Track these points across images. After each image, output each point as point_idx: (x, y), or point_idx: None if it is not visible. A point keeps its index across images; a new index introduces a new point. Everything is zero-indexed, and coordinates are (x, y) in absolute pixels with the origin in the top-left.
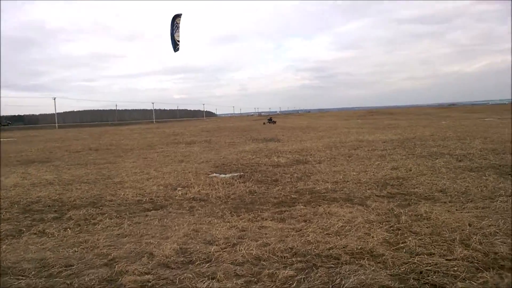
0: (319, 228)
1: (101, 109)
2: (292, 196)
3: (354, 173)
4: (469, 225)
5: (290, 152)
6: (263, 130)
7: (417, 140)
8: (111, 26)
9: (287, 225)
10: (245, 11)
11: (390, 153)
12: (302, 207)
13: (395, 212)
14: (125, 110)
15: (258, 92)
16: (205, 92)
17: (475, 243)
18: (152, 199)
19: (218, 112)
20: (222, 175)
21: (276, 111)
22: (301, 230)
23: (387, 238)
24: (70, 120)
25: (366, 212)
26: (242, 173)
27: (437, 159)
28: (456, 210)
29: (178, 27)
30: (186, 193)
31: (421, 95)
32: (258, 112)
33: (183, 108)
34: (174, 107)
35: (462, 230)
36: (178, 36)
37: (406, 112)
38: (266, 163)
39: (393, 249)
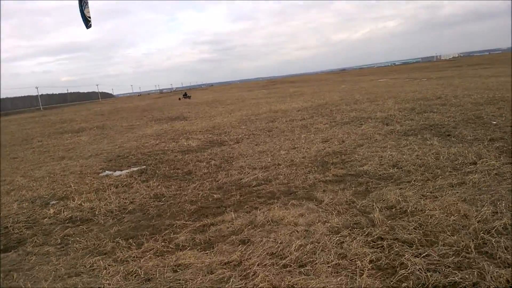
0: (268, 255)
1: None
2: (215, 196)
3: (284, 152)
4: (466, 216)
5: (200, 131)
6: (166, 108)
7: (330, 105)
8: None
9: (217, 256)
10: None
11: (312, 123)
12: (232, 215)
13: (358, 206)
14: (6, 99)
15: (156, 68)
16: (98, 72)
17: (503, 252)
18: (6, 228)
19: (115, 93)
20: (117, 173)
21: (176, 88)
22: (241, 264)
23: (376, 263)
24: None
25: (322, 212)
26: (143, 167)
27: (362, 124)
28: (431, 193)
29: (87, 2)
30: (61, 211)
31: (314, 63)
32: (159, 90)
33: (74, 91)
34: (64, 91)
35: (467, 228)
36: (89, 12)
37: (304, 80)
38: (173, 149)
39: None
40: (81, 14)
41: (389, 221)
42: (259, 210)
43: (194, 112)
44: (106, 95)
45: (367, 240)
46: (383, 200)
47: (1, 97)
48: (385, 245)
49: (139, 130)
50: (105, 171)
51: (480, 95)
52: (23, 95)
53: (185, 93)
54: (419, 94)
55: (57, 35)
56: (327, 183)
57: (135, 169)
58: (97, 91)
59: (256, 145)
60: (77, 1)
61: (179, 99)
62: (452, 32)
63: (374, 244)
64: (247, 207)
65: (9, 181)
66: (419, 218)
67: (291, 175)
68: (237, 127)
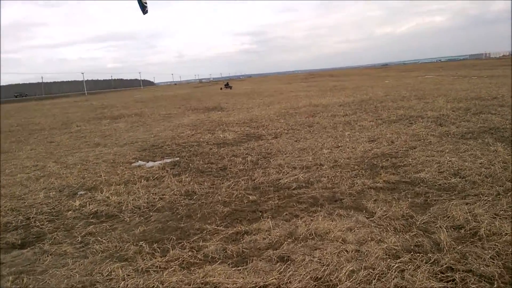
0: (311, 280)
1: (27, 82)
2: (251, 198)
3: (326, 151)
4: None
5: (237, 123)
6: (204, 98)
7: (374, 101)
8: None
9: (251, 276)
10: None
11: (355, 119)
12: (269, 223)
13: (418, 223)
14: (54, 83)
15: (197, 58)
16: (141, 60)
17: None
18: (28, 219)
19: (156, 81)
20: (150, 164)
21: (213, 78)
22: None
23: None
24: None
25: (375, 227)
26: (177, 159)
27: (412, 124)
28: (505, 211)
29: None
30: (87, 204)
31: (356, 56)
32: (199, 79)
33: (118, 78)
34: (108, 77)
35: None
36: None
37: (345, 74)
38: (209, 141)
39: None
40: (138, 0)
41: (459, 246)
42: (300, 219)
43: (231, 103)
44: (147, 83)
45: (433, 270)
46: (448, 218)
47: (44, 81)
48: (457, 279)
49: (176, 119)
50: (138, 161)
51: None
52: (70, 80)
53: (227, 83)
54: (472, 93)
55: (104, 23)
56: (378, 190)
57: (168, 160)
58: (139, 78)
59: (296, 141)
60: None
61: (221, 88)
62: (502, 29)
63: (443, 276)
64: (286, 214)
65: (41, 166)
66: (496, 245)
67: (335, 178)
68: (275, 120)
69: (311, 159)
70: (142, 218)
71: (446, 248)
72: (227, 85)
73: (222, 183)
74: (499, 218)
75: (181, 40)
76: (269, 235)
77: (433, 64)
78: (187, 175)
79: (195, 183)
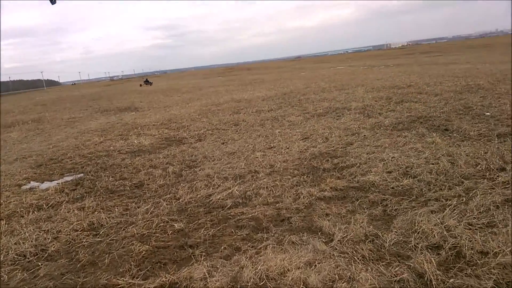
0: None
1: None
2: (176, 226)
3: (259, 154)
4: None
5: (154, 125)
6: (115, 97)
7: (296, 94)
8: None
9: None
10: None
11: (282, 114)
12: (204, 267)
13: (387, 245)
14: None
15: (106, 54)
16: (43, 58)
17: None
18: None
19: (62, 80)
20: (45, 185)
21: (127, 75)
22: None
23: None
24: None
25: (339, 258)
26: (80, 175)
27: (340, 116)
28: (478, 219)
29: None
30: None
31: (270, 50)
32: (109, 77)
33: (17, 79)
34: (7, 79)
35: None
36: None
37: (261, 67)
38: (121, 149)
39: None
40: None
41: (450, 279)
42: (244, 253)
43: (146, 101)
44: (52, 83)
45: None
46: (419, 234)
47: None
48: None
49: (82, 124)
50: (30, 182)
51: (451, 82)
52: None
53: (147, 79)
54: (386, 82)
55: None
56: (328, 201)
57: (69, 179)
58: (42, 78)
59: (223, 143)
60: None
61: (140, 85)
62: (401, 21)
63: None
64: (224, 248)
65: None
66: (491, 270)
67: (276, 188)
68: (197, 120)
69: (243, 165)
70: (26, 273)
71: (435, 282)
72: (146, 82)
73: (138, 207)
74: (476, 230)
75: (88, 35)
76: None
77: (341, 55)
78: (92, 198)
79: (103, 210)
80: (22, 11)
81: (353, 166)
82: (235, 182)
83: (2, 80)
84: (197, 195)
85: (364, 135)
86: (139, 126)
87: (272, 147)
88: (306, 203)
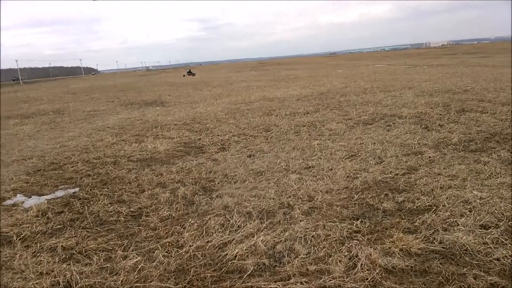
0: None
1: None
2: None
3: (294, 177)
4: None
5: (176, 125)
6: (145, 88)
7: (335, 94)
8: None
9: None
10: None
11: (320, 120)
12: None
13: None
14: None
15: (142, 45)
16: (83, 46)
17: None
18: None
19: (100, 68)
20: (31, 201)
21: (163, 66)
22: None
23: None
24: None
25: None
26: (74, 191)
27: (391, 126)
28: None
29: None
30: None
31: (302, 45)
32: (145, 67)
33: (58, 66)
34: (47, 65)
35: None
36: None
37: (295, 62)
38: (131, 156)
39: None
40: None
41: None
42: None
43: (175, 95)
44: (90, 71)
45: None
46: None
47: None
48: None
49: (101, 118)
50: (16, 196)
51: None
52: (4, 68)
53: (189, 70)
54: (436, 84)
55: (36, 6)
56: (400, 279)
57: (60, 194)
58: (80, 66)
59: (250, 156)
60: None
61: (183, 75)
62: (437, 20)
63: None
64: None
65: None
66: None
67: (318, 242)
68: (223, 121)
69: (273, 193)
70: None
71: None
72: (189, 72)
73: (125, 257)
74: None
75: (125, 25)
76: None
77: (378, 53)
78: (73, 231)
79: (79, 256)
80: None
81: (427, 210)
82: (261, 223)
83: (42, 66)
84: (207, 243)
85: (430, 157)
86: (160, 125)
87: (310, 167)
88: (367, 279)
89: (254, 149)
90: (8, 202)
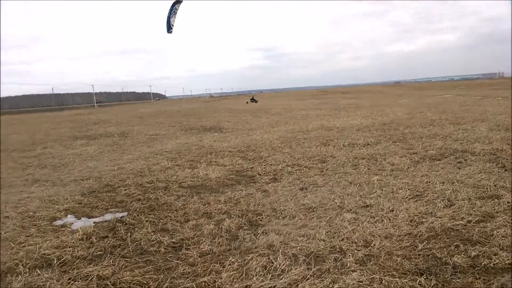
0: None
1: (41, 93)
2: None
3: (349, 216)
4: None
5: (230, 152)
6: (206, 114)
7: (399, 125)
8: (47, 4)
9: None
10: None
11: (382, 153)
12: None
13: None
14: (67, 94)
15: (208, 73)
16: (154, 73)
17: None
18: None
19: (167, 94)
20: (79, 223)
21: (226, 92)
22: None
23: None
24: (7, 106)
25: None
26: (123, 215)
27: (462, 164)
28: None
29: (175, 13)
30: None
31: (367, 73)
32: (209, 94)
33: (131, 91)
34: (119, 90)
35: None
36: (174, 21)
37: (358, 91)
38: (183, 182)
39: None
40: (167, 20)
41: None
42: None
43: (233, 121)
44: (159, 96)
45: None
46: None
47: (58, 92)
48: None
49: (161, 142)
50: (66, 216)
51: None
52: (83, 92)
53: (253, 97)
54: None
55: (119, 37)
56: None
57: (108, 217)
58: (150, 92)
59: (302, 189)
60: (169, 8)
61: (247, 102)
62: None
63: None
64: None
65: None
66: None
67: None
68: (278, 149)
69: (324, 234)
70: None
71: None
72: (252, 99)
73: None
74: None
75: (194, 55)
76: None
77: (447, 82)
78: (112, 260)
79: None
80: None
81: (506, 269)
82: (308, 269)
83: (116, 91)
84: (246, 287)
85: (509, 203)
86: (215, 151)
87: (367, 206)
88: None
89: (307, 181)
90: (58, 222)
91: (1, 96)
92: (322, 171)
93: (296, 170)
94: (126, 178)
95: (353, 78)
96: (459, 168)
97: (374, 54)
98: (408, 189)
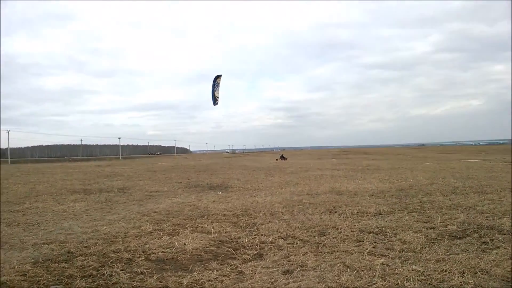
0: None
1: (71, 144)
2: None
3: None
4: None
5: (224, 216)
6: (220, 171)
7: (417, 192)
8: (86, 62)
9: None
10: (217, 50)
11: (393, 226)
12: None
13: None
14: (95, 146)
15: (232, 130)
16: (180, 129)
17: None
18: None
19: (192, 149)
20: None
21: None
22: None
23: None
24: (39, 154)
25: None
26: None
27: (487, 245)
28: None
29: (218, 86)
30: None
31: (390, 135)
32: (232, 149)
33: (156, 144)
34: (146, 143)
35: None
36: (218, 93)
37: (380, 152)
38: (153, 253)
39: None
40: (212, 93)
41: None
42: None
43: (244, 180)
44: (183, 150)
45: None
46: None
47: (88, 143)
48: None
49: (156, 201)
50: None
51: None
52: (111, 144)
53: (282, 155)
54: None
55: (149, 94)
56: None
57: None
58: (174, 146)
59: (285, 274)
60: (212, 83)
61: (276, 159)
62: None
63: None
64: None
65: None
66: None
67: None
68: (276, 215)
69: None
70: None
71: None
72: (282, 157)
73: None
74: None
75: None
76: None
77: (473, 147)
78: None
79: None
80: (171, 89)
81: None
82: None
83: (142, 144)
84: None
85: None
86: (207, 214)
87: None
88: None
89: (296, 261)
90: None
91: (33, 144)
92: (317, 248)
93: (288, 244)
94: (93, 244)
95: (376, 139)
96: (484, 251)
97: (398, 117)
98: (418, 280)
